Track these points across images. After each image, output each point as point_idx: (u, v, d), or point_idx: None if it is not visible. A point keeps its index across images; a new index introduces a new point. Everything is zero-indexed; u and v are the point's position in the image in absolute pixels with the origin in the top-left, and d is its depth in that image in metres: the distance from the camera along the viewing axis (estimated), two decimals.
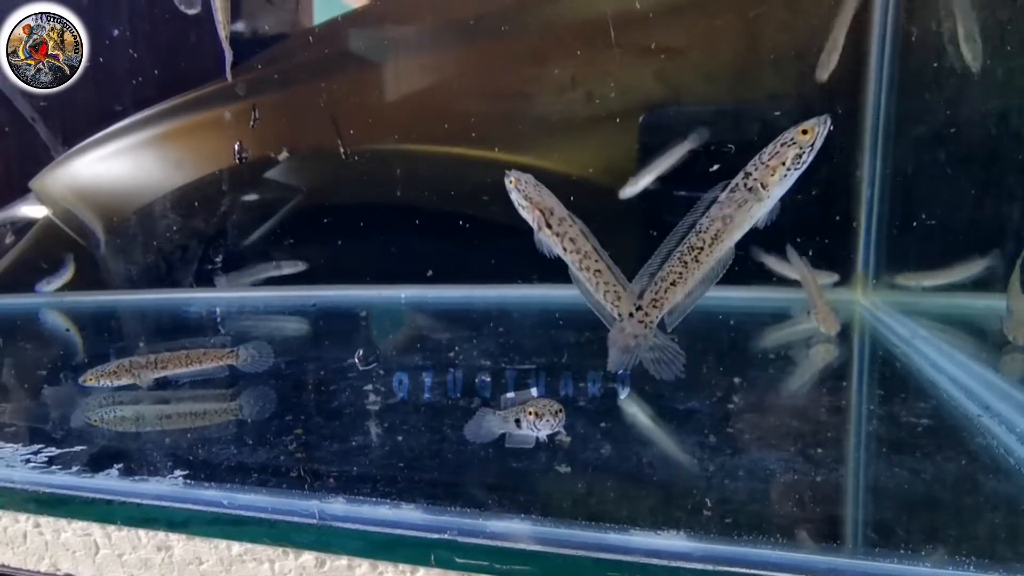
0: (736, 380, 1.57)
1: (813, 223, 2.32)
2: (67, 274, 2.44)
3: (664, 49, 2.37)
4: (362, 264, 2.44)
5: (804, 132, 1.02)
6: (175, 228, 2.51)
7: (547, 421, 1.13)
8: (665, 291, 1.05)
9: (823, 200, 2.34)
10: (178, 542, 1.10)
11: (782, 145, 1.02)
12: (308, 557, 1.05)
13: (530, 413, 1.14)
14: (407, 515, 1.04)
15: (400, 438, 1.29)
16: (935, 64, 2.02)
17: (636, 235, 2.39)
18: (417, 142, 2.54)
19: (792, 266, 2.08)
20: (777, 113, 2.31)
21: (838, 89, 2.24)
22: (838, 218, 2.31)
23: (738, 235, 1.06)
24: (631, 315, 1.07)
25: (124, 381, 1.51)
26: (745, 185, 1.03)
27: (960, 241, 2.06)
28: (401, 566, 1.02)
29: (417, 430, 1.33)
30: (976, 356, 1.63)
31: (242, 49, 2.55)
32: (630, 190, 2.04)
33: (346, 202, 2.54)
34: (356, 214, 2.47)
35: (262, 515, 1.05)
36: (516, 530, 1.00)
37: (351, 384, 1.58)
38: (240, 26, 2.51)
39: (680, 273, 1.05)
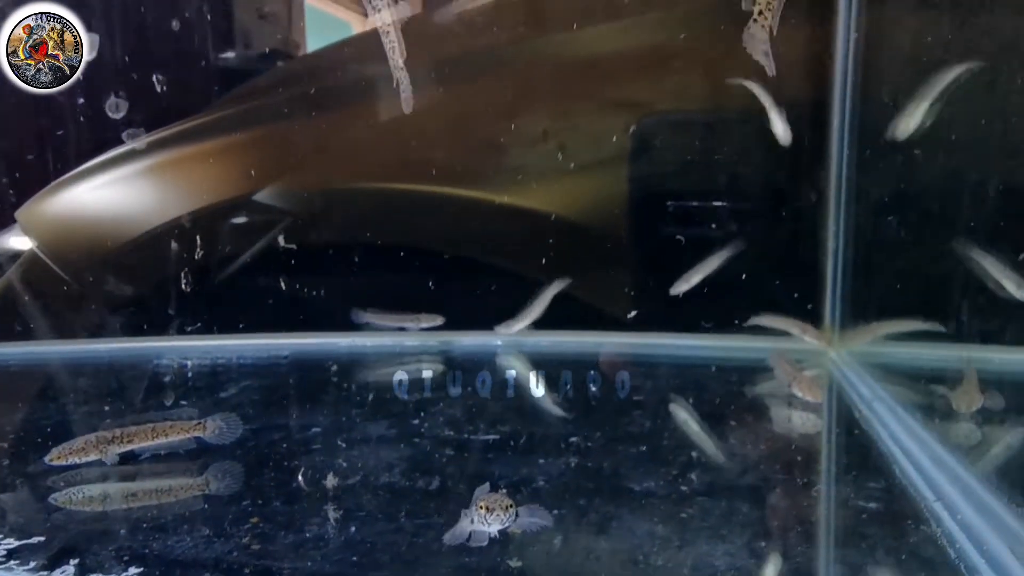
0: (693, 455, 1.59)
1: (781, 274, 2.37)
2: None
3: (633, 103, 2.42)
4: (336, 308, 2.46)
5: None
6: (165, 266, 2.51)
7: (497, 516, 1.15)
8: None
9: (791, 250, 2.39)
10: None
11: None
12: None
13: (480, 507, 1.16)
14: None
15: (354, 529, 1.31)
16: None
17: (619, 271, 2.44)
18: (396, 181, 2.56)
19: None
20: (746, 169, 2.36)
21: (804, 147, 2.29)
22: (805, 269, 2.35)
23: None
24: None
25: (91, 457, 1.53)
26: None
27: (920, 294, 2.10)
28: None
29: (372, 518, 1.35)
30: (930, 425, 1.66)
31: (231, 77, 2.59)
32: (681, 287, 2.20)
33: (324, 241, 2.55)
34: (330, 254, 2.49)
35: None
36: None
37: (315, 457, 1.60)
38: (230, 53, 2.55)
39: None
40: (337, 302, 2.47)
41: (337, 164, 2.64)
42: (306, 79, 2.57)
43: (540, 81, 2.47)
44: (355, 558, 1.22)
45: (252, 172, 2.60)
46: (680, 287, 2.22)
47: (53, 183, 2.49)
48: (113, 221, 2.53)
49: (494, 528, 1.17)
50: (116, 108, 1.89)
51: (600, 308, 2.47)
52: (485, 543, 1.19)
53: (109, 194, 2.53)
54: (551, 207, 2.46)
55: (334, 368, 2.22)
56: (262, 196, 2.56)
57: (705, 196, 2.43)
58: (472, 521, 1.17)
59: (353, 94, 2.52)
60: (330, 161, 2.64)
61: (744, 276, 2.32)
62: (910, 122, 1.79)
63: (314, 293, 2.48)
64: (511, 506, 1.16)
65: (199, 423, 1.59)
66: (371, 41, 2.57)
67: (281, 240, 2.41)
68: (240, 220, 2.60)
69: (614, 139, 2.42)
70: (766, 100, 1.97)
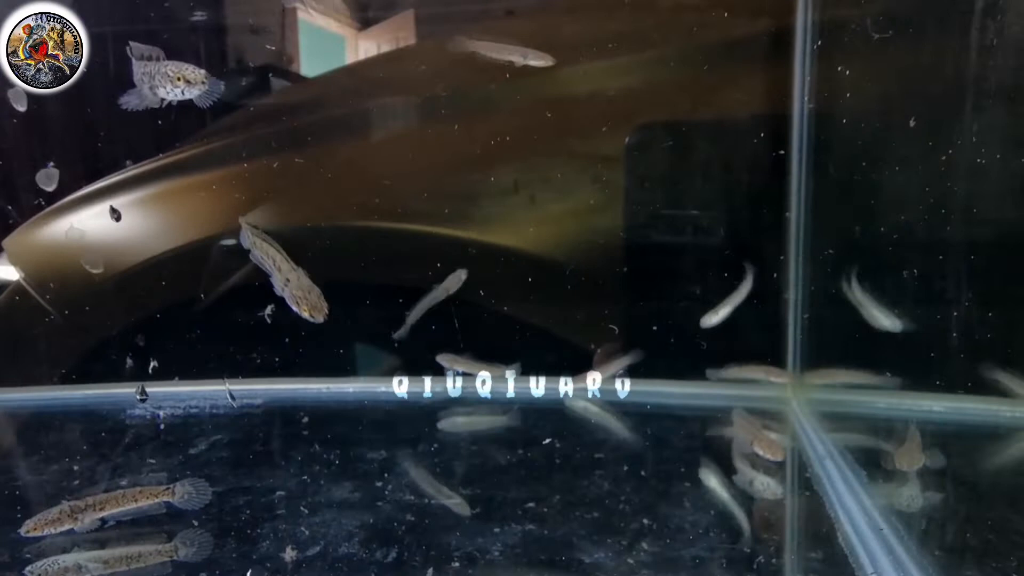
0: (645, 521, 1.64)
1: (743, 323, 2.43)
2: None
3: (600, 157, 2.48)
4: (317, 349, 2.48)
5: None
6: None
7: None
8: None
9: (753, 299, 2.44)
10: None
11: None
12: None
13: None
14: None
15: None
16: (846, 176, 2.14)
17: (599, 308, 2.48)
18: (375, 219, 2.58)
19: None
20: (708, 219, 2.43)
21: (762, 203, 2.36)
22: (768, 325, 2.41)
23: None
24: None
25: (65, 527, 1.57)
26: None
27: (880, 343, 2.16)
28: None
29: None
30: (875, 489, 1.71)
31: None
32: (711, 319, 2.28)
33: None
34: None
35: None
36: None
37: (280, 523, 1.64)
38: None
39: None
40: (316, 343, 2.50)
41: (313, 201, 2.67)
42: (289, 113, 2.61)
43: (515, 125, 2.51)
44: None
45: (232, 208, 2.62)
46: (710, 319, 2.28)
47: (41, 212, 2.49)
48: (100, 252, 2.52)
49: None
50: (47, 179, 1.91)
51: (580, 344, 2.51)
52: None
53: (100, 224, 2.52)
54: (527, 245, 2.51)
55: (304, 419, 2.25)
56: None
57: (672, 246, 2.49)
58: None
59: (334, 130, 2.57)
60: (307, 198, 2.67)
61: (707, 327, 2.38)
62: None
63: (293, 335, 2.50)
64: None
65: (167, 488, 1.63)
66: (350, 77, 2.66)
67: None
68: (229, 243, 2.58)
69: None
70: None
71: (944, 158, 1.90)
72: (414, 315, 2.35)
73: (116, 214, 2.33)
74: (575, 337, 2.54)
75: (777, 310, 2.42)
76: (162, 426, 2.26)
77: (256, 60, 2.55)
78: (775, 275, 2.41)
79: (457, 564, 1.46)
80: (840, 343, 2.25)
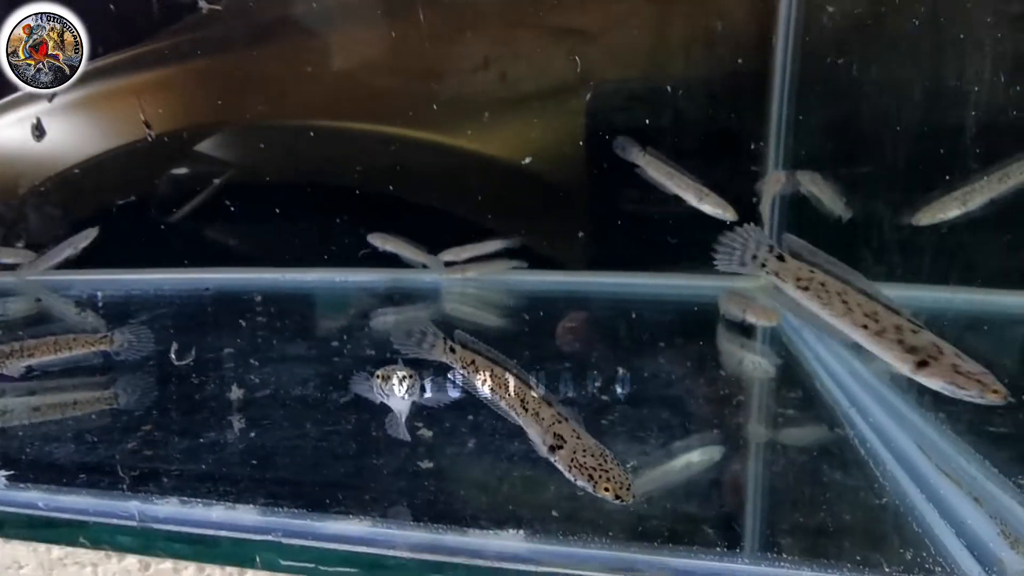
0: (620, 369, 1.57)
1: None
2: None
3: (575, 31, 2.35)
4: (266, 245, 2.37)
5: None
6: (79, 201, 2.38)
7: (392, 386, 1.06)
8: None
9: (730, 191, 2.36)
10: None
11: None
12: (132, 560, 1.00)
13: (378, 377, 1.07)
14: (233, 516, 1.00)
15: (254, 435, 1.25)
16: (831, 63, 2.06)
17: (557, 218, 2.39)
18: (329, 118, 2.46)
19: None
20: (685, 96, 2.32)
21: (744, 81, 2.26)
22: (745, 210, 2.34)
23: None
24: None
25: None
26: None
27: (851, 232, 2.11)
28: (228, 568, 0.98)
29: (276, 427, 1.28)
30: (851, 345, 1.66)
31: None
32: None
33: (260, 180, 2.45)
34: (262, 193, 2.39)
35: (80, 517, 1.00)
36: (344, 531, 0.97)
37: (226, 375, 1.52)
38: None
39: None
40: (271, 240, 2.38)
41: (275, 100, 2.52)
42: (240, 14, 2.43)
43: (482, 10, 2.37)
44: (242, 463, 1.15)
45: (186, 107, 2.47)
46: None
47: None
48: (40, 155, 2.38)
49: (396, 400, 1.08)
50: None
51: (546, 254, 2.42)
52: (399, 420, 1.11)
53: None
54: (497, 149, 2.39)
55: (258, 299, 2.12)
56: (203, 147, 2.44)
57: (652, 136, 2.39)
58: (379, 398, 1.10)
59: (288, 28, 2.40)
60: (268, 97, 2.51)
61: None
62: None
63: (246, 232, 2.38)
64: (410, 376, 1.06)
65: (105, 336, 1.47)
66: None
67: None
68: (180, 171, 2.47)
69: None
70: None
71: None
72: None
73: (39, 131, 2.17)
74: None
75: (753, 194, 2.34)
76: (101, 304, 2.10)
77: None
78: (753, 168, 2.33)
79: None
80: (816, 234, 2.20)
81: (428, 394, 1.09)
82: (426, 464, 1.15)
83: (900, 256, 1.89)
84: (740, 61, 2.28)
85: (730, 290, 2.01)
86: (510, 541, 0.95)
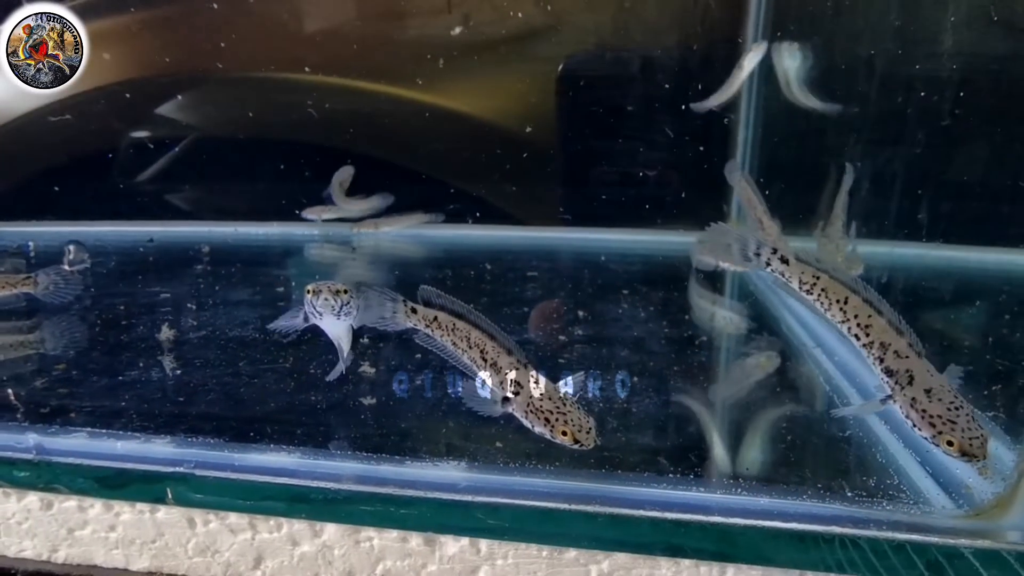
0: (581, 313, 1.50)
1: (689, 167, 2.29)
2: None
3: None
4: (222, 200, 2.26)
5: None
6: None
7: (325, 300, 0.93)
8: None
9: (700, 144, 2.30)
10: None
11: None
12: (32, 498, 0.91)
13: (308, 292, 0.94)
14: (141, 449, 0.91)
15: (178, 373, 1.15)
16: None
17: (531, 178, 2.30)
18: (286, 70, 2.34)
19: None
20: (658, 51, 2.24)
21: (717, 28, 2.19)
22: (715, 164, 2.28)
23: None
24: None
25: None
26: None
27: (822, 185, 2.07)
28: (138, 505, 0.89)
29: (200, 366, 1.19)
30: None
31: None
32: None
33: (212, 135, 2.33)
34: (221, 146, 2.28)
35: None
36: (268, 462, 0.89)
37: (159, 319, 1.42)
38: None
39: None
40: (226, 196, 2.27)
41: (224, 52, 2.39)
42: None
43: None
44: (157, 399, 1.06)
45: (144, 57, 2.33)
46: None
47: None
48: None
49: (329, 319, 0.96)
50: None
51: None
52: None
53: None
54: (460, 103, 2.29)
55: (205, 249, 2.01)
56: (164, 110, 2.31)
57: (618, 92, 2.30)
58: (305, 317, 0.97)
59: None
60: (218, 48, 2.38)
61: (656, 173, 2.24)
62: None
63: (202, 186, 2.27)
64: (343, 291, 0.94)
65: (28, 277, 1.36)
66: None
67: None
68: (141, 135, 2.33)
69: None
70: None
71: None
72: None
73: None
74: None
75: (724, 151, 2.28)
76: (32, 253, 1.97)
77: None
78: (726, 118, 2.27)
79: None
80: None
81: (365, 316, 0.98)
82: (369, 400, 1.07)
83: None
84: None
85: (700, 239, 1.95)
86: (443, 471, 0.88)
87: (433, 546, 0.87)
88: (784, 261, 0.90)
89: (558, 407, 0.83)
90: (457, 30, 2.22)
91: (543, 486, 0.88)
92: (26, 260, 1.91)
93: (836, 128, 2.04)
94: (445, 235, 2.27)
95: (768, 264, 0.90)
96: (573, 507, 0.86)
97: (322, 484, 0.87)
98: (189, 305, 1.50)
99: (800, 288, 0.89)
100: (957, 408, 0.79)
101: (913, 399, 0.78)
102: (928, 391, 0.78)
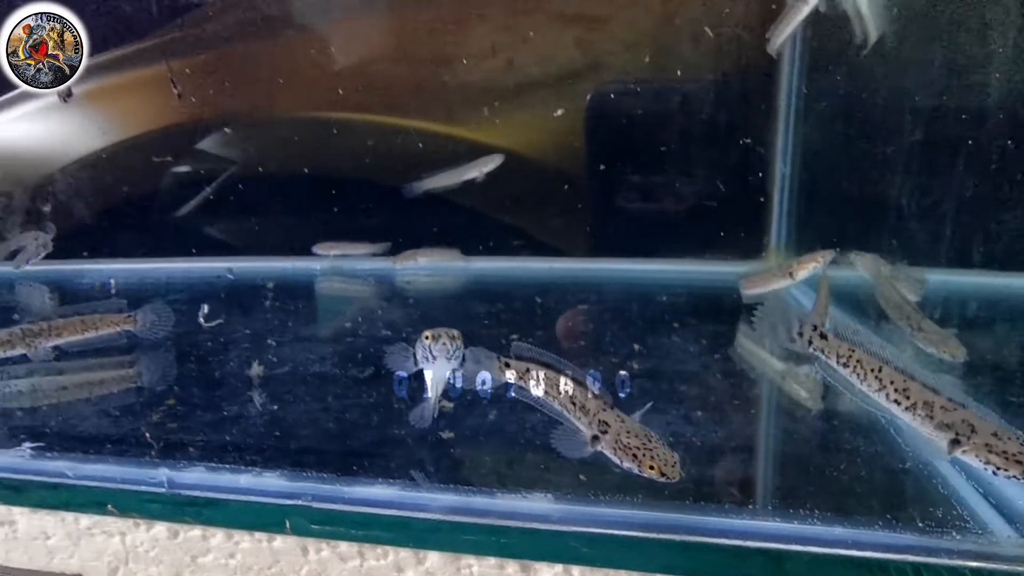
0: (636, 347, 1.57)
1: (729, 199, 2.36)
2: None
3: (583, 17, 2.35)
4: (279, 235, 2.37)
5: None
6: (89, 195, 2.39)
7: (443, 345, 1.00)
8: None
9: (739, 177, 2.37)
10: (22, 516, 1.03)
11: None
12: (160, 528, 1.00)
13: (426, 337, 1.01)
14: (261, 482, 1.00)
15: (276, 408, 1.25)
16: (841, 40, 2.06)
17: (571, 212, 2.39)
18: (338, 110, 2.47)
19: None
20: (694, 85, 2.32)
21: (752, 64, 2.26)
22: (753, 195, 2.34)
23: None
24: None
25: (17, 351, 1.39)
26: None
27: (864, 216, 2.12)
28: (257, 534, 0.98)
29: (299, 400, 1.28)
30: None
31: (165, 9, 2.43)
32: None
33: (268, 173, 2.45)
34: (277, 184, 2.40)
35: (108, 485, 1.00)
36: (374, 494, 0.97)
37: (245, 353, 1.52)
38: None
39: None
40: (280, 232, 2.39)
41: (279, 92, 2.53)
42: (243, 7, 2.43)
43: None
44: (268, 433, 1.16)
45: (191, 99, 2.48)
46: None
47: None
48: (43, 149, 2.39)
49: (441, 363, 1.03)
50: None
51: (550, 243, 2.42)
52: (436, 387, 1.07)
53: (37, 124, 2.38)
54: (502, 140, 2.39)
55: (270, 285, 2.12)
56: (205, 144, 2.45)
57: (658, 125, 2.39)
58: (416, 360, 1.05)
59: (290, 20, 2.41)
60: (273, 89, 2.52)
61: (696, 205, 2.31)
62: None
63: (254, 224, 2.39)
64: (457, 337, 1.02)
65: (129, 316, 1.47)
66: None
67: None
68: (183, 169, 2.48)
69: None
70: None
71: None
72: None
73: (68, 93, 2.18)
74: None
75: (763, 183, 2.35)
76: (113, 290, 2.11)
77: None
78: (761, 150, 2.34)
79: None
80: (827, 218, 2.20)
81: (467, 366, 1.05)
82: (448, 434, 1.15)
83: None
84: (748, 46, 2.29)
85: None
86: (538, 503, 0.96)
87: (528, 572, 0.94)
88: (823, 337, 0.96)
89: (644, 443, 0.90)
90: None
91: (628, 516, 0.95)
92: (108, 296, 2.04)
93: (873, 159, 2.10)
94: (489, 268, 2.35)
95: (811, 343, 0.96)
96: (655, 536, 0.92)
97: (424, 515, 0.95)
98: (269, 341, 1.60)
99: (837, 362, 0.94)
100: None
101: (987, 444, 0.82)
102: (995, 434, 0.83)
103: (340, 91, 2.44)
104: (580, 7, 2.36)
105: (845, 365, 0.94)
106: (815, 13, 2.13)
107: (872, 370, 0.92)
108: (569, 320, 2.15)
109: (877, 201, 2.11)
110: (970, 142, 1.94)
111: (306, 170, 2.43)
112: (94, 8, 2.21)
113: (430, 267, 2.26)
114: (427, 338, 1.01)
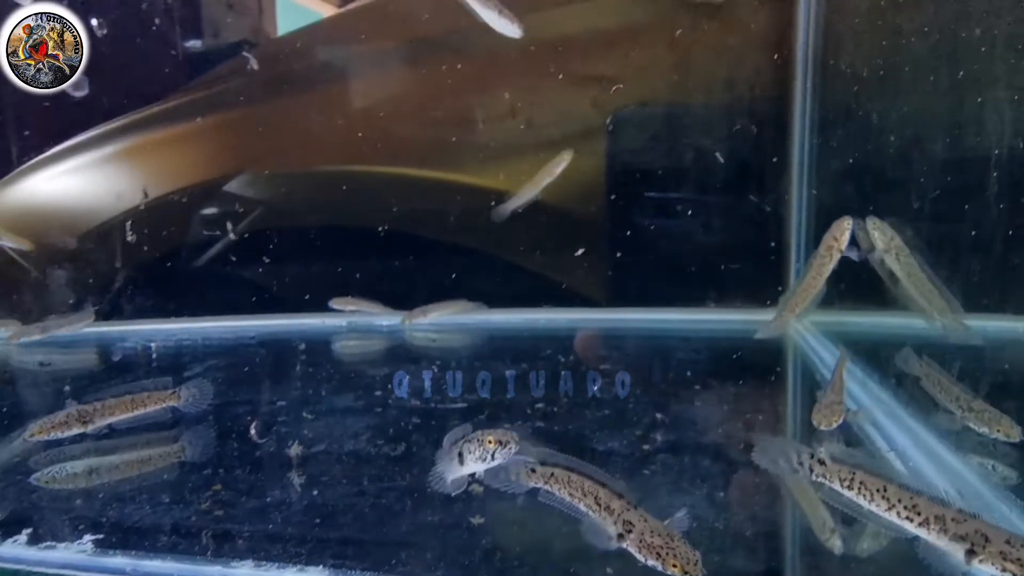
0: (659, 416, 1.62)
1: (746, 247, 2.41)
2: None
3: (600, 78, 2.43)
4: (304, 290, 2.45)
5: None
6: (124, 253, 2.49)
7: (508, 450, 1.04)
8: None
9: (756, 225, 2.42)
10: None
11: None
12: None
13: (489, 441, 1.05)
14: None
15: (316, 492, 1.32)
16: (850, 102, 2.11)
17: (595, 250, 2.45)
18: (362, 163, 2.55)
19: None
20: (709, 142, 2.39)
21: (766, 121, 2.32)
22: (770, 244, 2.38)
23: None
24: None
25: (73, 432, 1.49)
26: None
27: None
28: None
29: (338, 483, 1.35)
30: (878, 383, 1.70)
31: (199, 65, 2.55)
32: None
33: (288, 225, 2.54)
34: (299, 237, 2.49)
35: None
36: None
37: (280, 428, 1.60)
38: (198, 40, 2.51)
39: None
40: (306, 285, 2.47)
41: (304, 148, 2.63)
42: (272, 64, 2.55)
43: (508, 61, 2.46)
44: (318, 519, 1.22)
45: (218, 158, 2.59)
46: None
47: (15, 171, 2.45)
48: (77, 209, 2.50)
49: (495, 461, 1.07)
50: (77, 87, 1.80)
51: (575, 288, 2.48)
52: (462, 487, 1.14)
53: (74, 181, 2.50)
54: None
55: (301, 347, 2.21)
56: (232, 186, 2.55)
57: (673, 175, 2.45)
58: (463, 460, 1.08)
59: (319, 78, 2.52)
60: (298, 145, 2.62)
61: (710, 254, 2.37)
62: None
63: (281, 277, 2.47)
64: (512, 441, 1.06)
65: (173, 392, 1.57)
66: (337, 25, 2.61)
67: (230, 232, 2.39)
68: (211, 210, 2.58)
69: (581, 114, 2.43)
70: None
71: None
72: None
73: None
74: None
75: (780, 233, 2.39)
76: (154, 356, 2.20)
77: (231, 35, 2.51)
78: (779, 197, 2.38)
79: None
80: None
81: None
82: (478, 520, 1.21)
83: None
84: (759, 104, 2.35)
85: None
86: None
87: None
88: (821, 463, 0.98)
89: (667, 543, 0.95)
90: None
91: None
92: (150, 359, 2.14)
93: (888, 202, 2.14)
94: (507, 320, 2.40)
95: (812, 470, 0.99)
96: None
97: None
98: (306, 415, 1.68)
99: (841, 485, 0.96)
100: None
101: (1002, 553, 0.85)
102: (1008, 542, 0.86)
103: (366, 147, 2.53)
104: (594, 69, 2.44)
105: (849, 487, 0.97)
106: None
107: (878, 490, 0.95)
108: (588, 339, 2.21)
109: None
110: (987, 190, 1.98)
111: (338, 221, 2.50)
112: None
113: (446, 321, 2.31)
114: (490, 443, 1.06)
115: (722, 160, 2.36)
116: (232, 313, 2.49)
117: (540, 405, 1.69)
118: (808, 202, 2.34)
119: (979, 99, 1.98)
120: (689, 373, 1.98)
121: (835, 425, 1.39)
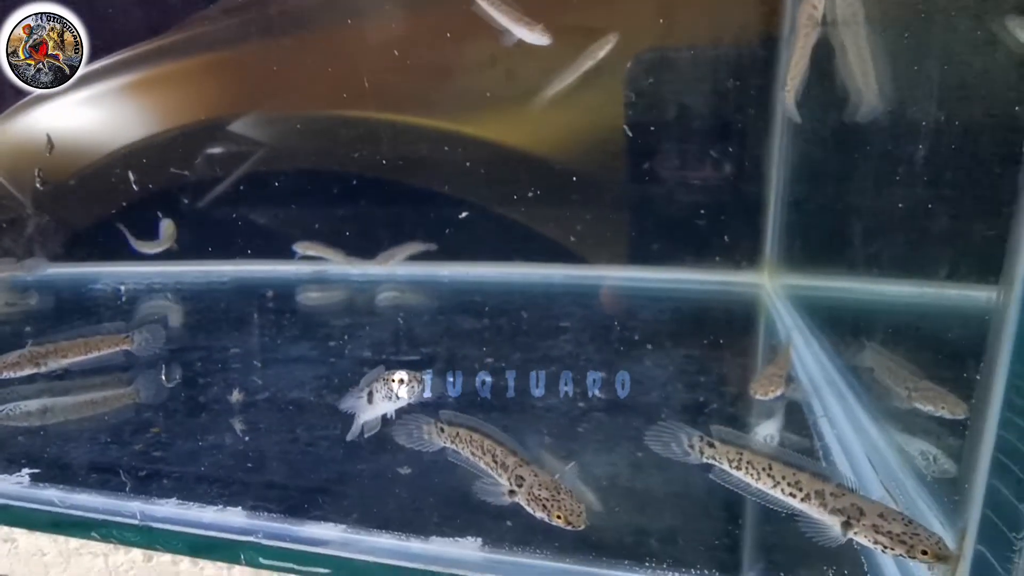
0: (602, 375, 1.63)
1: (724, 207, 2.36)
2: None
3: (583, 28, 2.35)
4: (281, 237, 2.46)
5: None
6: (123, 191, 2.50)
7: (412, 387, 1.07)
8: None
9: (734, 185, 2.36)
10: (22, 535, 1.18)
11: None
12: (137, 553, 1.13)
13: (393, 380, 1.07)
14: (221, 518, 1.12)
15: (248, 439, 1.36)
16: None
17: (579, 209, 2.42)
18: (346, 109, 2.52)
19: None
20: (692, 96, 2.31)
21: (750, 75, 2.24)
22: (748, 204, 2.34)
23: None
24: None
25: (26, 372, 1.53)
26: None
27: (861, 228, 2.10)
28: (218, 563, 1.10)
29: (273, 430, 1.39)
30: (833, 353, 1.69)
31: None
32: None
33: (275, 169, 2.54)
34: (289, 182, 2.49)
35: (91, 515, 1.13)
36: (318, 534, 1.07)
37: (231, 374, 1.64)
38: None
39: None
40: (287, 230, 2.48)
41: (294, 90, 2.60)
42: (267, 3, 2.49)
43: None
44: (248, 464, 1.27)
45: (206, 97, 2.57)
46: None
47: (12, 107, 2.45)
48: (73, 145, 2.50)
49: (401, 401, 1.11)
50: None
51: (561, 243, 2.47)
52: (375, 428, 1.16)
53: (71, 116, 2.50)
54: (506, 137, 2.43)
55: (269, 294, 2.24)
56: (235, 127, 2.54)
57: (654, 132, 2.39)
58: (371, 399, 1.11)
59: (312, 18, 2.46)
60: (287, 87, 2.59)
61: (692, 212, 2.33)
62: None
63: (263, 222, 2.48)
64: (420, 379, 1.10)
65: (126, 336, 1.61)
66: None
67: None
68: (215, 150, 2.57)
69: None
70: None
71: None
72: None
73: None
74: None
75: (759, 192, 2.34)
76: (124, 298, 2.25)
77: None
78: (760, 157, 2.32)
79: None
80: (818, 230, 2.19)
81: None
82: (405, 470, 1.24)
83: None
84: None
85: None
86: (467, 549, 1.05)
87: None
88: (711, 445, 1.00)
89: (553, 495, 0.98)
90: None
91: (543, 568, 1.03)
92: (119, 300, 2.18)
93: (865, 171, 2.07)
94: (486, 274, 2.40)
95: (702, 452, 1.00)
96: None
97: (361, 556, 1.05)
98: (255, 363, 1.72)
99: (730, 465, 0.98)
100: (910, 521, 0.89)
101: (875, 526, 0.87)
102: (881, 515, 0.88)
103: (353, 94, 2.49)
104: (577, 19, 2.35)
105: (737, 467, 0.98)
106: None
107: (764, 468, 0.96)
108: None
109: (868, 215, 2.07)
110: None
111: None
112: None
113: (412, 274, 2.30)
114: (394, 381, 1.08)
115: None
116: (210, 258, 2.51)
117: (490, 360, 1.71)
118: (788, 165, 2.28)
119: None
120: (647, 333, 1.98)
121: (771, 396, 1.40)
